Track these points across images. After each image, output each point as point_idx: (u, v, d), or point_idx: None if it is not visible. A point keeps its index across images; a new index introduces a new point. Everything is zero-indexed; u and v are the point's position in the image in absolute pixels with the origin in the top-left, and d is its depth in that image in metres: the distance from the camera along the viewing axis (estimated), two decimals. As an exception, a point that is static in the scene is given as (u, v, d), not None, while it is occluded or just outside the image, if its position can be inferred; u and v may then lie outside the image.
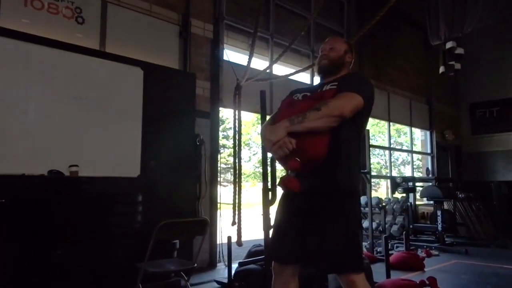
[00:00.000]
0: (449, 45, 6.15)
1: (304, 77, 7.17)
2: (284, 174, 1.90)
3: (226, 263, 4.46)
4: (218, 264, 5.21)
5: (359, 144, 2.07)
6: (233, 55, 6.03)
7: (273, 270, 2.10)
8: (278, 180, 1.95)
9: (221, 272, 4.77)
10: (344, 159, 1.93)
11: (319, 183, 1.91)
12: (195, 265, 3.10)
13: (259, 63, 6.36)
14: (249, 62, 4.26)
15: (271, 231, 2.20)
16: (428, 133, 10.39)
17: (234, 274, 4.10)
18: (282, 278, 2.06)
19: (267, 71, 5.23)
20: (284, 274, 2.06)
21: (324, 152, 1.84)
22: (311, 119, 1.79)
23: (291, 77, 5.33)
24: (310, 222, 1.93)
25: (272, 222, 3.69)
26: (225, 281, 4.16)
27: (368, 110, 2.03)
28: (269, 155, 4.29)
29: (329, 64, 2.15)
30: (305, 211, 1.94)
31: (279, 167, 2.17)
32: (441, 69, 6.38)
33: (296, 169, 1.87)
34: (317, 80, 7.27)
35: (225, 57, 5.60)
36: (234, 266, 4.23)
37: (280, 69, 6.93)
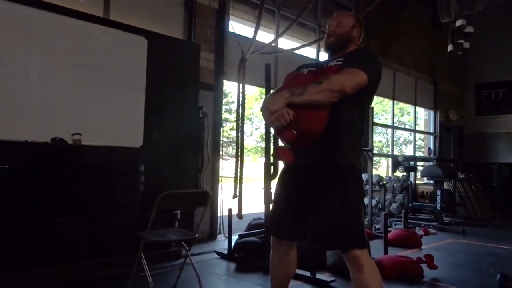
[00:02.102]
0: (459, 23, 6.03)
1: (310, 52, 7.07)
2: (280, 146, 1.89)
3: (226, 235, 4.53)
4: (218, 236, 5.28)
5: (362, 122, 2.04)
6: (238, 27, 5.94)
7: (272, 243, 2.13)
8: (273, 152, 1.94)
9: (221, 244, 4.85)
10: (344, 136, 1.91)
11: (317, 158, 1.91)
12: (196, 235, 3.14)
13: (265, 36, 6.27)
14: (255, 34, 4.19)
15: (271, 205, 2.21)
16: (432, 112, 10.33)
17: (234, 245, 4.17)
18: (279, 251, 2.09)
19: (273, 44, 5.15)
20: (281, 247, 2.08)
21: (321, 127, 1.81)
22: (311, 92, 1.77)
23: (296, 52, 5.26)
24: (310, 198, 1.93)
25: (273, 197, 3.73)
26: (225, 252, 4.23)
27: (373, 88, 1.99)
28: (272, 130, 4.29)
29: (336, 40, 2.10)
30: (305, 186, 1.94)
31: (282, 143, 2.16)
32: (449, 47, 6.28)
33: (291, 141, 1.86)
34: (323, 55, 7.20)
35: (230, 29, 5.50)
36: (234, 238, 4.29)
37: (286, 43, 6.83)
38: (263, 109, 1.88)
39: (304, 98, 1.77)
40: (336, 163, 1.90)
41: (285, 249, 2.08)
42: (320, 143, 1.86)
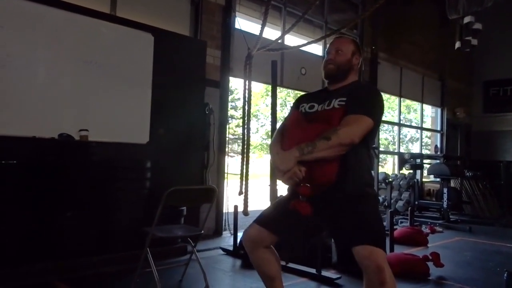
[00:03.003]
0: (467, 19, 5.98)
1: (316, 49, 7.05)
2: (296, 199, 1.89)
3: (232, 231, 4.54)
4: (223, 232, 5.30)
5: (370, 156, 2.05)
6: (245, 23, 5.92)
7: (248, 244, 2.08)
8: (289, 204, 1.93)
9: (227, 240, 4.86)
10: (355, 173, 1.91)
11: (331, 197, 1.90)
12: (202, 232, 3.15)
13: (271, 33, 6.25)
14: (261, 31, 4.18)
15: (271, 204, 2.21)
16: (439, 110, 10.26)
17: (240, 242, 4.17)
18: (256, 252, 2.07)
19: (279, 41, 5.13)
20: (258, 246, 2.06)
21: (334, 176, 1.83)
22: (320, 149, 1.77)
23: (303, 48, 5.24)
24: (322, 217, 1.94)
25: (278, 194, 3.73)
26: (231, 248, 4.24)
27: (378, 126, 2.00)
28: (277, 126, 4.28)
29: (336, 69, 2.07)
30: (317, 210, 1.91)
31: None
32: (457, 44, 6.24)
33: (307, 195, 1.87)
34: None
35: (236, 26, 5.50)
36: (240, 234, 4.29)
37: (292, 40, 6.81)
38: (273, 167, 1.90)
39: (314, 156, 1.78)
40: (350, 194, 1.89)
41: (264, 247, 2.06)
42: (333, 185, 1.86)
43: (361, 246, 1.76)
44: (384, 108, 1.98)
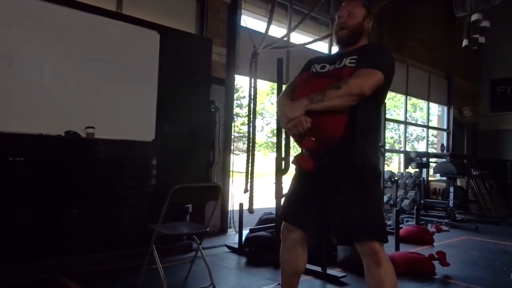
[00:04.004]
0: (474, 17, 5.92)
1: (322, 46, 7.02)
2: (298, 153, 1.88)
3: (237, 229, 4.54)
4: (228, 230, 5.31)
5: (379, 118, 2.03)
6: (250, 21, 5.91)
7: (282, 234, 2.12)
8: (292, 159, 1.92)
9: (232, 238, 4.87)
10: (362, 136, 1.89)
11: (336, 159, 1.89)
12: (207, 229, 3.16)
13: (277, 31, 6.24)
14: (267, 29, 4.18)
15: (283, 199, 2.21)
16: (445, 108, 10.20)
17: (245, 240, 4.19)
18: (288, 243, 2.09)
19: (285, 39, 5.13)
20: (290, 239, 2.07)
21: (340, 132, 1.81)
22: (330, 98, 1.75)
23: (308, 46, 5.23)
24: (328, 194, 1.93)
25: (284, 192, 3.73)
26: (236, 246, 4.25)
27: (388, 84, 1.97)
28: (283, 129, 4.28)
29: (349, 33, 2.06)
30: (323, 183, 1.93)
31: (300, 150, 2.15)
32: (464, 42, 6.18)
33: (311, 149, 1.86)
34: (335, 50, 7.14)
35: (242, 23, 5.49)
36: (245, 232, 4.31)
37: (298, 37, 6.79)
38: (280, 116, 1.88)
39: (324, 104, 1.76)
40: (355, 163, 1.89)
41: (293, 242, 2.07)
42: (339, 144, 1.85)
43: (366, 244, 1.83)
44: (395, 69, 1.97)
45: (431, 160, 8.07)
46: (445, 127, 10.21)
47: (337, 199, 1.90)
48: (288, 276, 2.15)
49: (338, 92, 1.75)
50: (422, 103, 11.61)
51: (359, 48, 2.03)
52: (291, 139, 3.29)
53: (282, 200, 3.67)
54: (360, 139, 1.88)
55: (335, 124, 1.81)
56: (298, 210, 2.03)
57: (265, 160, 20.01)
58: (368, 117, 1.93)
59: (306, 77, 2.04)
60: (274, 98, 16.61)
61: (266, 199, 6.63)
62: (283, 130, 4.23)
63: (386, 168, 10.39)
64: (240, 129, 16.22)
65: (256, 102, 4.54)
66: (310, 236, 2.10)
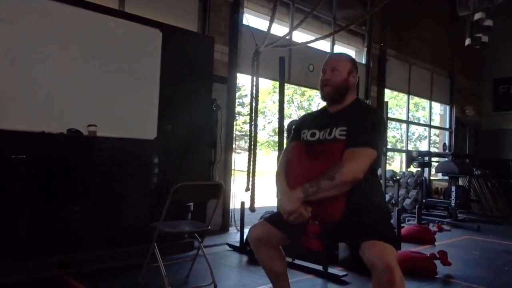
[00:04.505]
0: (477, 16, 5.90)
1: (324, 45, 7.01)
2: (304, 236, 1.88)
3: (238, 227, 4.54)
4: (230, 228, 5.31)
5: (376, 177, 2.03)
6: (252, 19, 5.91)
7: (255, 239, 2.08)
8: (299, 243, 1.93)
9: (233, 236, 4.87)
10: (364, 203, 1.88)
11: (340, 226, 1.88)
12: (209, 227, 3.16)
13: (279, 29, 6.23)
14: (269, 27, 4.16)
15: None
16: (448, 108, 10.17)
17: (246, 238, 4.18)
18: (265, 248, 2.07)
19: (287, 37, 5.12)
20: (268, 243, 2.06)
21: (342, 212, 1.82)
22: (325, 189, 1.77)
23: (311, 45, 5.22)
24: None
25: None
26: (237, 244, 4.25)
27: (382, 152, 1.97)
28: (285, 125, 4.28)
29: (333, 91, 2.03)
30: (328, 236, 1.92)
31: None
32: (467, 41, 6.16)
33: (317, 233, 1.87)
34: (337, 49, 7.13)
35: (244, 22, 5.49)
36: (246, 231, 4.30)
37: (300, 36, 6.78)
38: (279, 205, 1.89)
39: (319, 196, 1.78)
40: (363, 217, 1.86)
41: (273, 244, 2.06)
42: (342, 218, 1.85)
43: (371, 242, 1.71)
44: (387, 132, 1.98)
45: (433, 159, 8.06)
46: (447, 126, 10.19)
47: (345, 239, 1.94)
48: (270, 277, 2.14)
49: (332, 183, 1.76)
50: (424, 102, 11.61)
51: (347, 111, 2.01)
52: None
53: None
54: (363, 207, 1.86)
55: (335, 208, 1.82)
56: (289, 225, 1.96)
57: (267, 158, 20.03)
58: (367, 187, 1.91)
59: (299, 152, 2.01)
60: (276, 97, 16.57)
61: (267, 198, 6.63)
62: (285, 129, 4.24)
63: (388, 167, 10.38)
64: (241, 128, 16.23)
65: (258, 100, 4.53)
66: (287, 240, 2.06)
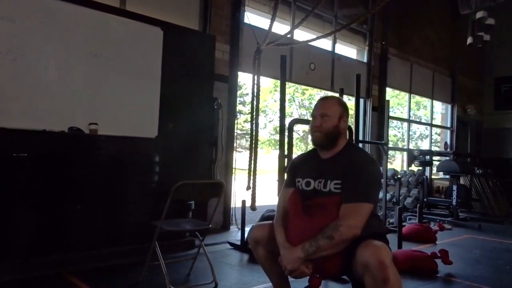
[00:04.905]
0: (479, 14, 5.88)
1: (325, 44, 7.00)
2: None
3: (239, 226, 4.55)
4: (231, 227, 5.31)
5: (377, 214, 2.08)
6: (254, 18, 5.90)
7: (255, 239, 2.14)
8: None
9: (234, 235, 4.87)
10: (365, 235, 1.88)
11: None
12: (210, 226, 3.17)
13: (280, 28, 6.22)
14: (270, 25, 4.16)
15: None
16: (449, 106, 10.15)
17: (247, 237, 4.18)
18: (264, 247, 2.12)
19: (288, 36, 5.11)
20: (262, 245, 2.12)
21: (341, 267, 1.88)
22: (324, 249, 1.82)
23: (312, 43, 5.22)
24: None
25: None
26: (238, 243, 4.25)
27: (377, 200, 2.03)
28: (286, 124, 4.28)
29: (324, 137, 2.04)
30: None
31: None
32: (469, 40, 6.14)
33: (318, 286, 1.92)
34: (338, 48, 7.12)
35: (246, 20, 5.48)
36: (247, 229, 4.30)
37: (301, 35, 6.77)
38: (280, 261, 1.91)
39: (319, 255, 1.83)
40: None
41: (271, 249, 2.09)
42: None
43: (364, 242, 1.78)
44: (381, 182, 2.01)
45: (434, 158, 8.04)
46: (448, 125, 10.17)
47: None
48: (269, 276, 2.19)
49: (331, 243, 1.80)
50: (425, 101, 11.58)
51: (340, 159, 2.02)
52: (294, 137, 3.30)
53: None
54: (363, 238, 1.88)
55: (335, 263, 1.88)
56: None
57: (268, 157, 20.02)
58: (369, 228, 1.91)
59: (295, 205, 2.01)
60: (277, 96, 16.56)
61: (268, 196, 6.64)
62: (286, 128, 4.24)
63: (389, 166, 10.37)
64: (243, 126, 16.22)
65: (259, 99, 4.53)
66: None
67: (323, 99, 2.14)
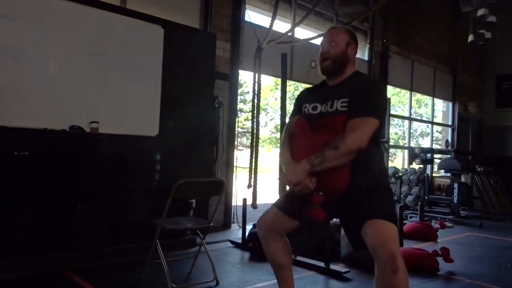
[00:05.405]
0: (480, 12, 5.86)
1: (326, 42, 6.98)
2: (308, 207, 1.88)
3: (240, 224, 4.55)
4: (232, 225, 5.32)
5: (380, 148, 2.03)
6: (254, 16, 5.89)
7: (263, 230, 2.12)
8: (303, 213, 1.91)
9: (235, 233, 4.88)
10: (367, 172, 1.89)
11: (345, 199, 1.89)
12: (211, 224, 3.17)
13: (281, 26, 6.21)
14: (271, 24, 4.16)
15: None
16: (450, 104, 10.14)
17: (248, 235, 4.19)
18: (272, 239, 2.10)
19: (289, 34, 5.11)
20: (275, 232, 2.09)
21: (346, 184, 1.83)
22: (330, 159, 1.77)
23: (313, 41, 5.21)
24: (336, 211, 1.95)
25: (287, 188, 3.73)
26: (239, 241, 4.25)
27: (384, 121, 1.97)
28: (287, 121, 4.27)
29: (332, 64, 2.02)
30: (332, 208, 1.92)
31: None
32: (470, 37, 6.13)
33: (321, 204, 1.87)
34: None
35: (246, 18, 5.47)
36: (248, 227, 4.31)
37: (302, 33, 6.76)
38: (284, 178, 1.89)
39: (325, 166, 1.78)
40: (363, 186, 1.88)
41: (278, 235, 2.10)
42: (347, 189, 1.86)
43: (372, 221, 1.76)
44: (387, 101, 1.97)
45: (435, 156, 8.04)
46: (450, 123, 10.16)
47: (347, 215, 1.93)
48: (275, 269, 2.18)
49: (337, 153, 1.77)
50: (427, 99, 11.57)
51: (348, 83, 2.00)
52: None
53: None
54: (365, 179, 1.88)
55: (339, 178, 1.83)
56: (295, 205, 1.99)
57: (269, 155, 20.02)
58: (370, 155, 1.91)
59: (301, 126, 2.00)
60: (278, 94, 16.56)
61: (269, 195, 6.64)
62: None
63: (391, 164, 10.36)
64: (243, 125, 16.21)
65: (260, 97, 4.53)
66: (296, 227, 2.07)
67: (331, 29, 2.16)
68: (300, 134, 1.99)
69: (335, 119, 1.91)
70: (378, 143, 2.01)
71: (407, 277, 1.76)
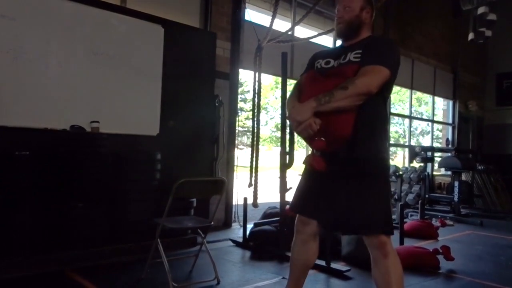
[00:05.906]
0: (481, 10, 5.85)
1: (326, 40, 6.99)
2: (309, 153, 1.89)
3: (241, 223, 4.56)
4: (233, 224, 5.32)
5: (386, 111, 2.02)
6: (255, 15, 5.89)
7: (296, 227, 2.14)
8: (304, 159, 1.96)
9: (236, 232, 4.88)
10: (370, 130, 1.89)
11: (345, 157, 1.89)
12: (212, 223, 3.17)
13: (281, 25, 6.21)
14: (271, 22, 4.16)
15: (294, 194, 2.20)
16: (451, 103, 10.13)
17: (249, 234, 4.20)
18: (303, 236, 2.11)
19: (289, 33, 5.10)
20: (305, 232, 2.10)
21: (349, 131, 1.81)
22: (338, 99, 1.75)
23: (313, 40, 5.20)
24: (338, 185, 1.93)
25: (288, 186, 3.73)
26: (240, 240, 4.26)
27: (394, 78, 1.95)
28: (287, 122, 4.27)
29: (346, 27, 2.03)
30: (333, 178, 1.94)
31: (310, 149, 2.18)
32: (471, 36, 6.11)
33: (322, 149, 1.87)
34: (340, 43, 7.09)
35: (246, 17, 5.47)
36: (249, 226, 4.32)
37: (302, 31, 6.75)
38: (289, 118, 1.90)
39: (332, 105, 1.76)
40: (362, 158, 1.89)
41: (307, 236, 2.10)
42: (348, 143, 1.85)
43: (375, 236, 1.89)
44: (400, 61, 1.95)
45: (436, 154, 8.04)
46: (450, 121, 10.15)
47: (345, 192, 1.90)
48: (299, 269, 2.17)
49: (345, 93, 1.75)
50: (427, 97, 11.56)
51: (363, 41, 2.01)
52: (295, 133, 3.29)
53: (287, 194, 3.67)
54: (368, 134, 1.88)
55: (343, 124, 1.81)
56: (311, 204, 2.03)
57: (270, 154, 20.01)
58: (376, 111, 1.92)
59: (312, 76, 2.03)
60: (278, 93, 16.56)
61: (270, 194, 6.63)
62: (288, 124, 4.23)
63: (391, 162, 10.36)
64: (244, 124, 16.21)
65: (261, 96, 4.53)
66: (325, 228, 2.12)
67: None
68: (309, 82, 1.99)
69: (346, 69, 1.91)
70: (385, 100, 2.00)
71: (398, 261, 1.89)
